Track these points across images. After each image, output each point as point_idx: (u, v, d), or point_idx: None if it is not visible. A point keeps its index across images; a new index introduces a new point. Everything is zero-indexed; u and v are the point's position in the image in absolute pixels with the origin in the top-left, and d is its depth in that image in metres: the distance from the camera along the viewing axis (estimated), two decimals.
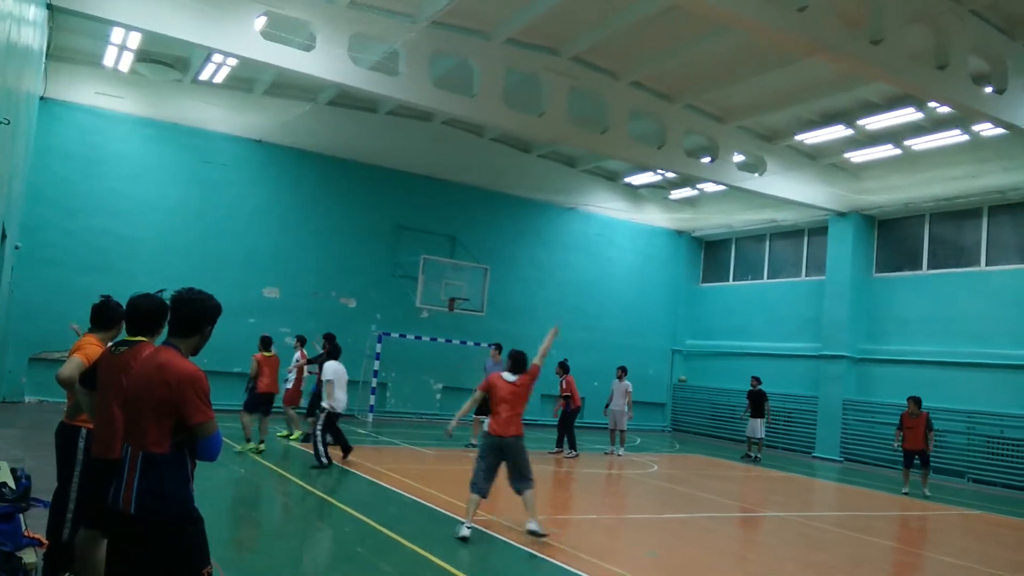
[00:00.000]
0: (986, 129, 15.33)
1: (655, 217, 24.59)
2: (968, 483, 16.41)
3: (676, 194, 23.31)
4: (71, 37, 15.28)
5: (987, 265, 17.56)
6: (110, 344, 4.67)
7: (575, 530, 8.68)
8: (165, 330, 3.63)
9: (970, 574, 7.98)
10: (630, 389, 16.66)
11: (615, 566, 6.80)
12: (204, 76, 16.60)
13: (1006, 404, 15.85)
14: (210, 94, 17.45)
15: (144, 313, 4.30)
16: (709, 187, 21.70)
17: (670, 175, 21.34)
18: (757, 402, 17.76)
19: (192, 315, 3.39)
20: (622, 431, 16.46)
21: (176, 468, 3.22)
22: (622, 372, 16.79)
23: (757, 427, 17.74)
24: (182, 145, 17.65)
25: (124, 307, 4.56)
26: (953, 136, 16.10)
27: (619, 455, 16.16)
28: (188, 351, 3.40)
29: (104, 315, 4.91)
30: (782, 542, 9.10)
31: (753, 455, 17.75)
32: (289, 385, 14.03)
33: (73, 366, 4.56)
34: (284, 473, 10.43)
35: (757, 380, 18.13)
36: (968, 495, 14.87)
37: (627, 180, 23.16)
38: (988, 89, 12.81)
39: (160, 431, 3.19)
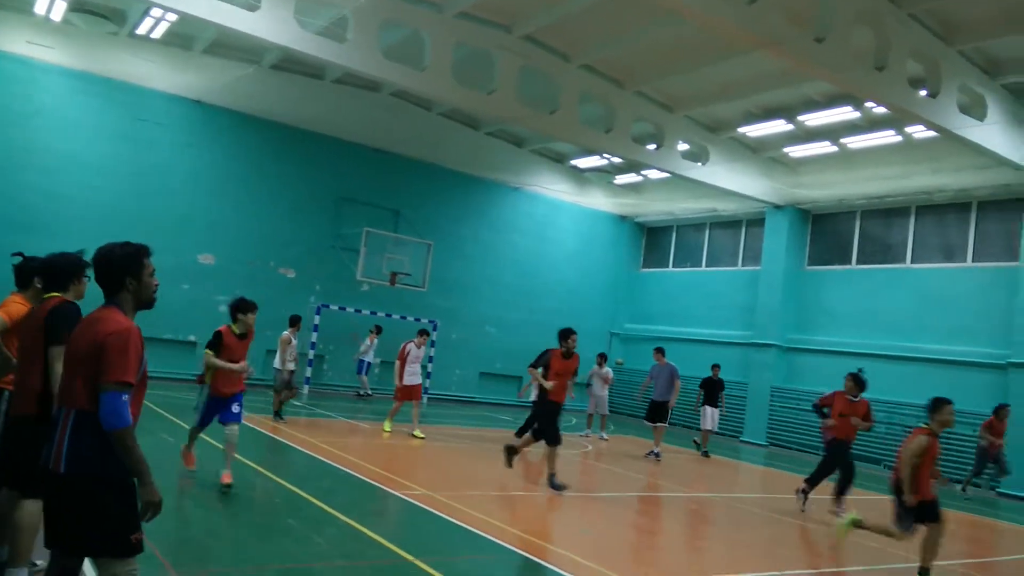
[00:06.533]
0: (918, 131, 15.90)
1: (599, 201, 24.81)
2: (884, 469, 17.18)
3: (621, 179, 23.56)
4: None
5: (912, 263, 18.30)
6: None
7: (509, 507, 8.77)
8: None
9: (882, 555, 8.39)
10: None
11: (549, 543, 6.90)
12: (141, 30, 15.93)
13: (925, 396, 16.40)
14: (147, 49, 16.76)
15: (52, 268, 4.32)
16: (653, 174, 21.98)
17: (616, 160, 21.53)
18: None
19: (109, 269, 3.30)
20: None
21: None
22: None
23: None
24: (116, 101, 16.93)
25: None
26: (887, 136, 16.66)
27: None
28: (130, 308, 3.35)
29: (22, 274, 4.82)
30: (706, 522, 9.39)
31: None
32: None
33: None
34: (216, 444, 10.21)
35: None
36: (884, 480, 15.54)
37: (573, 163, 23.27)
38: (922, 92, 13.27)
39: (90, 389, 3.12)
